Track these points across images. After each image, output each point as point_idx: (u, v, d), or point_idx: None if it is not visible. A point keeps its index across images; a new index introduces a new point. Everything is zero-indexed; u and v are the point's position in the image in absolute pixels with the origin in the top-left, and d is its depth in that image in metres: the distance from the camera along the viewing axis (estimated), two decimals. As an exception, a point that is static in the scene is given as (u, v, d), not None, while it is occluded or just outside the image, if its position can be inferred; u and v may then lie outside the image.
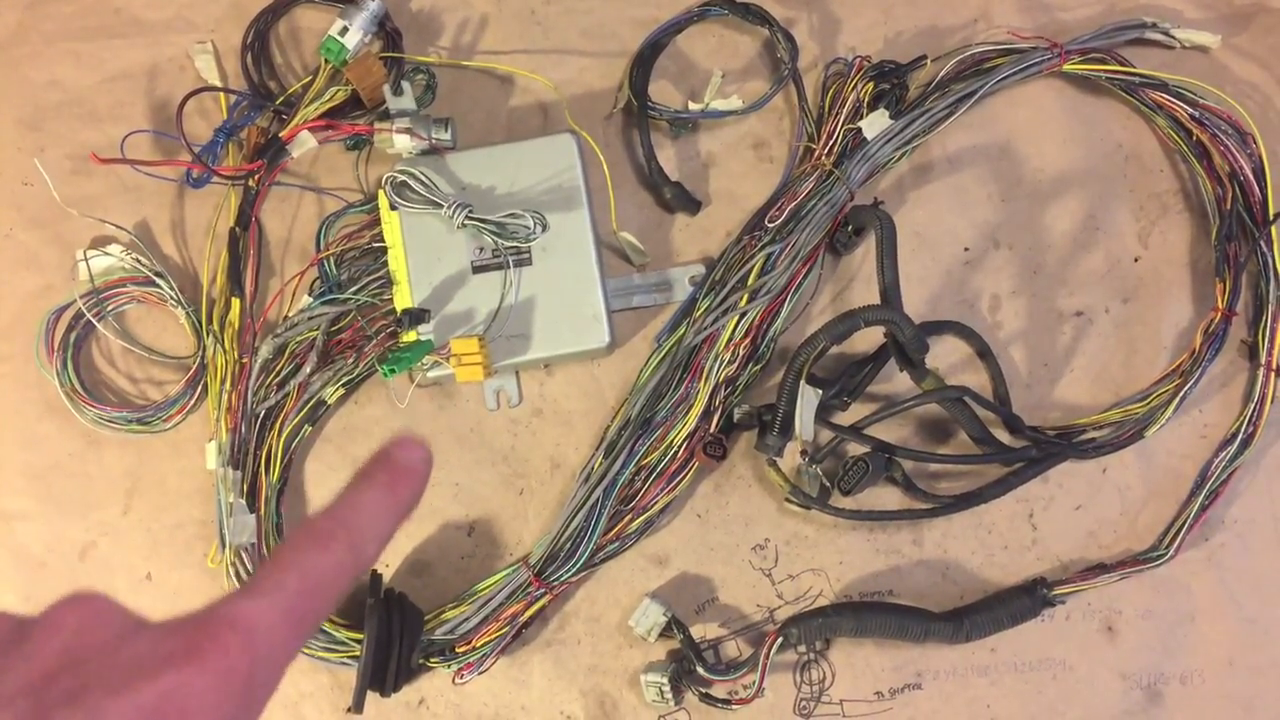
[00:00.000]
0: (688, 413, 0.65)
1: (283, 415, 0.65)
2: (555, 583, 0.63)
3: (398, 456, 0.31)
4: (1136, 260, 0.70)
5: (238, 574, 0.63)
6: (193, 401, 0.67)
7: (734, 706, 0.64)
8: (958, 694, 0.66)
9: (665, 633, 0.64)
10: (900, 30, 0.72)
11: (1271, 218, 0.68)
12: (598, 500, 0.64)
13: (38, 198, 0.69)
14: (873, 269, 0.63)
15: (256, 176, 0.67)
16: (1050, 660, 0.66)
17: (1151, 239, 0.71)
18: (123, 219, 0.69)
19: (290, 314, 0.67)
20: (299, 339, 0.65)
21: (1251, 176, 0.68)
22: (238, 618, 0.25)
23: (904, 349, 0.63)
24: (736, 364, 0.65)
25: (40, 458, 0.67)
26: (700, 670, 0.63)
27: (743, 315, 0.65)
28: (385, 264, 0.66)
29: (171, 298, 0.67)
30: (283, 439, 0.65)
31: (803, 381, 0.62)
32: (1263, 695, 0.66)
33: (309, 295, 0.67)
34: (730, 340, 0.65)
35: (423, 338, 0.63)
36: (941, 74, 0.70)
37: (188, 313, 0.67)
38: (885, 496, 0.67)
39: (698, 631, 0.65)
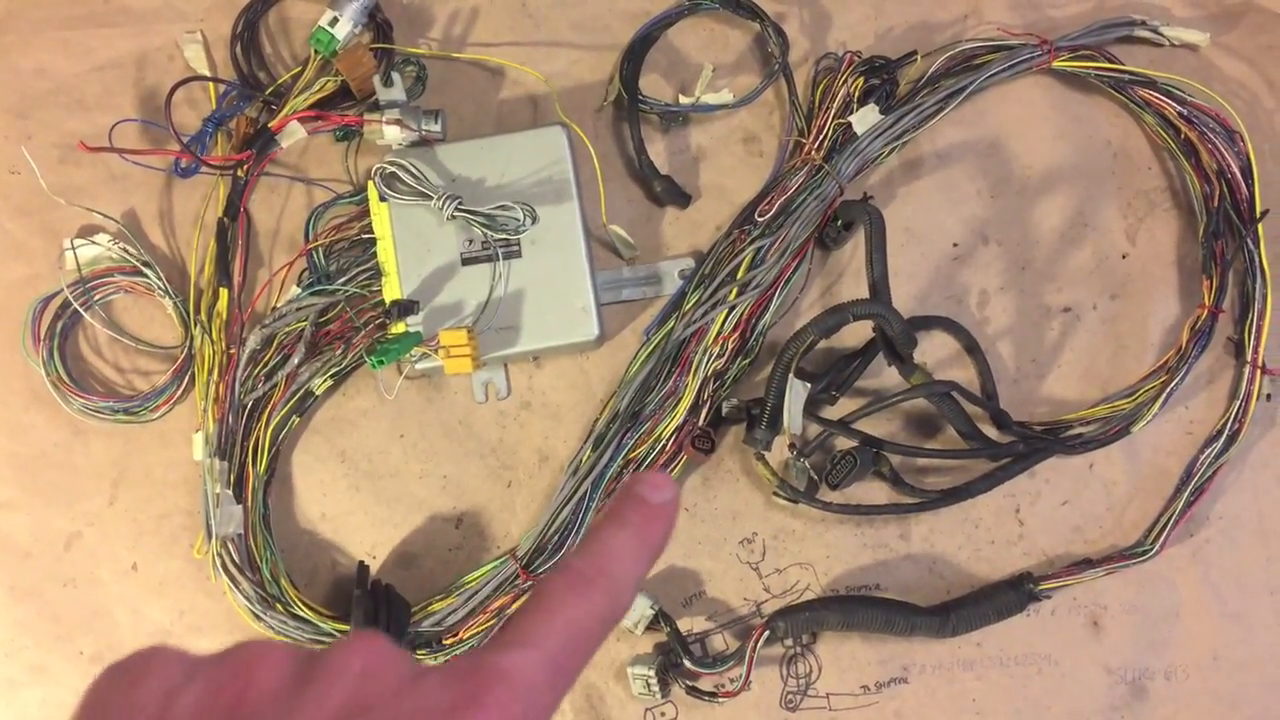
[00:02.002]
0: (676, 406, 0.65)
1: (270, 406, 0.65)
2: (543, 575, 0.63)
3: (649, 497, 0.31)
4: (1124, 257, 0.71)
5: (224, 565, 0.63)
6: (180, 392, 0.66)
7: (720, 699, 0.64)
8: (943, 688, 0.66)
9: (652, 626, 0.64)
10: (891, 26, 0.72)
11: (1258, 215, 0.68)
12: (586, 493, 0.64)
13: (25, 186, 0.69)
14: (862, 264, 0.63)
15: (245, 167, 0.67)
16: (1036, 655, 0.66)
17: (1139, 236, 0.71)
18: (110, 208, 0.68)
19: (278, 305, 0.66)
20: (287, 330, 0.65)
21: (1239, 174, 0.68)
22: (510, 671, 0.26)
23: (892, 344, 0.63)
24: (725, 358, 0.65)
25: (26, 447, 0.67)
26: (687, 663, 0.63)
27: (732, 309, 0.65)
28: (374, 255, 0.65)
29: (159, 287, 0.66)
30: (270, 430, 0.65)
31: (791, 375, 0.62)
32: (1246, 690, 0.66)
33: (297, 286, 0.66)
34: (719, 334, 0.65)
35: (411, 329, 0.63)
36: (931, 70, 0.70)
37: (175, 303, 0.67)
38: (873, 491, 0.67)
39: (685, 625, 0.65)
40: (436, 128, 0.66)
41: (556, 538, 0.64)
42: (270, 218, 0.69)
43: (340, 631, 0.62)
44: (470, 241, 0.65)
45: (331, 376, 0.66)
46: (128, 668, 0.26)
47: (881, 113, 0.68)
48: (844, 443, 0.65)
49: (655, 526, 0.30)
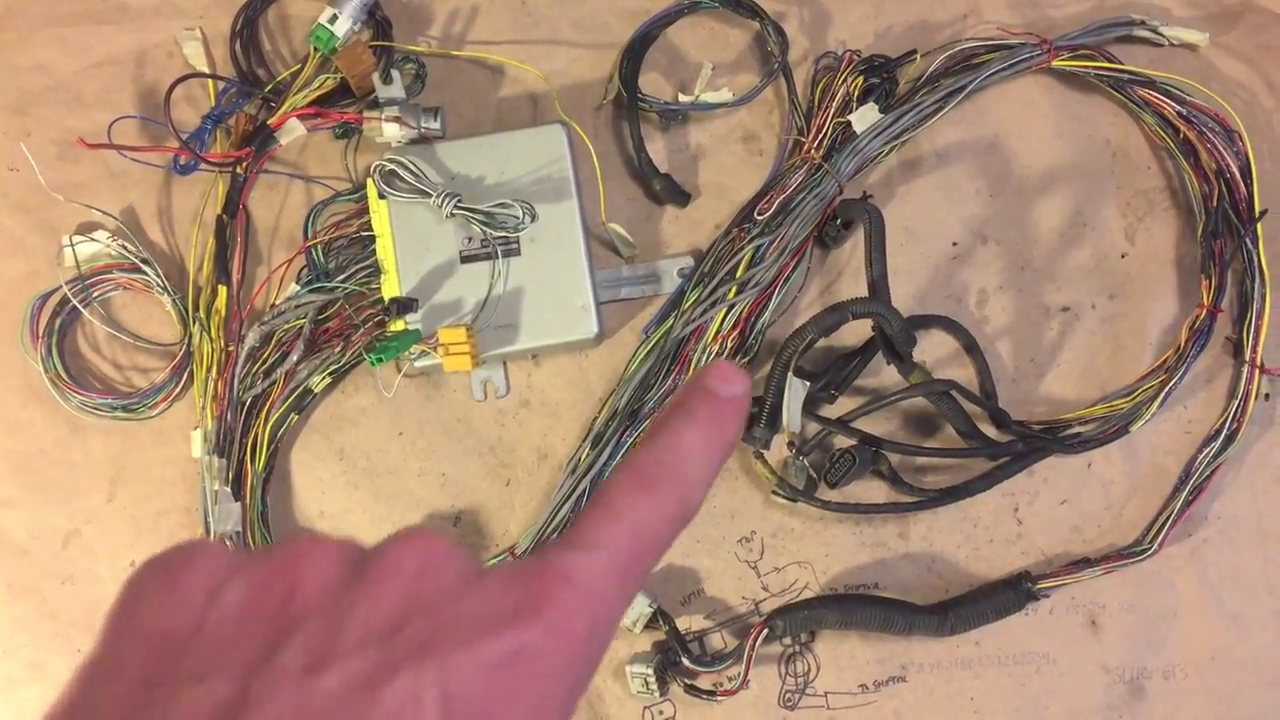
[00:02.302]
0: (675, 404, 0.65)
1: (269, 404, 0.65)
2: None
3: (718, 390, 0.28)
4: (1123, 256, 0.71)
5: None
6: (178, 389, 0.66)
7: (719, 698, 0.64)
8: (942, 687, 0.66)
9: (650, 624, 0.64)
10: (890, 25, 0.72)
11: (1257, 215, 0.68)
12: (585, 491, 0.64)
13: (23, 183, 0.68)
14: (861, 262, 0.63)
15: (244, 164, 0.67)
16: (1034, 654, 0.66)
17: (1138, 235, 0.71)
18: (109, 205, 0.68)
19: (277, 302, 0.66)
20: (286, 327, 0.65)
21: (1238, 174, 0.68)
22: (575, 574, 0.24)
23: (892, 342, 0.63)
24: (724, 356, 0.65)
25: (24, 444, 0.67)
26: (685, 662, 0.63)
27: (731, 307, 0.65)
28: (373, 253, 0.65)
29: (158, 284, 0.66)
30: (269, 427, 0.65)
31: (790, 374, 0.62)
32: (1244, 690, 0.66)
33: (296, 283, 0.66)
34: (718, 332, 0.65)
35: (410, 327, 0.63)
36: (931, 69, 0.70)
37: (174, 300, 0.67)
38: (872, 490, 0.67)
39: (683, 623, 0.65)
40: (436, 125, 0.66)
41: (555, 535, 0.64)
42: (269, 215, 0.69)
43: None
44: (469, 239, 0.65)
45: (330, 374, 0.66)
46: (168, 563, 0.25)
47: (881, 111, 0.68)
48: (843, 441, 0.65)
49: (726, 421, 0.28)
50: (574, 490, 0.64)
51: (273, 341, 0.65)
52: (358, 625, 0.23)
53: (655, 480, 0.26)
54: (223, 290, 0.66)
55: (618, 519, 0.26)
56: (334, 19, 0.67)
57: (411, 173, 0.63)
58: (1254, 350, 0.68)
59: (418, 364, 0.65)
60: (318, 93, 0.67)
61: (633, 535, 0.26)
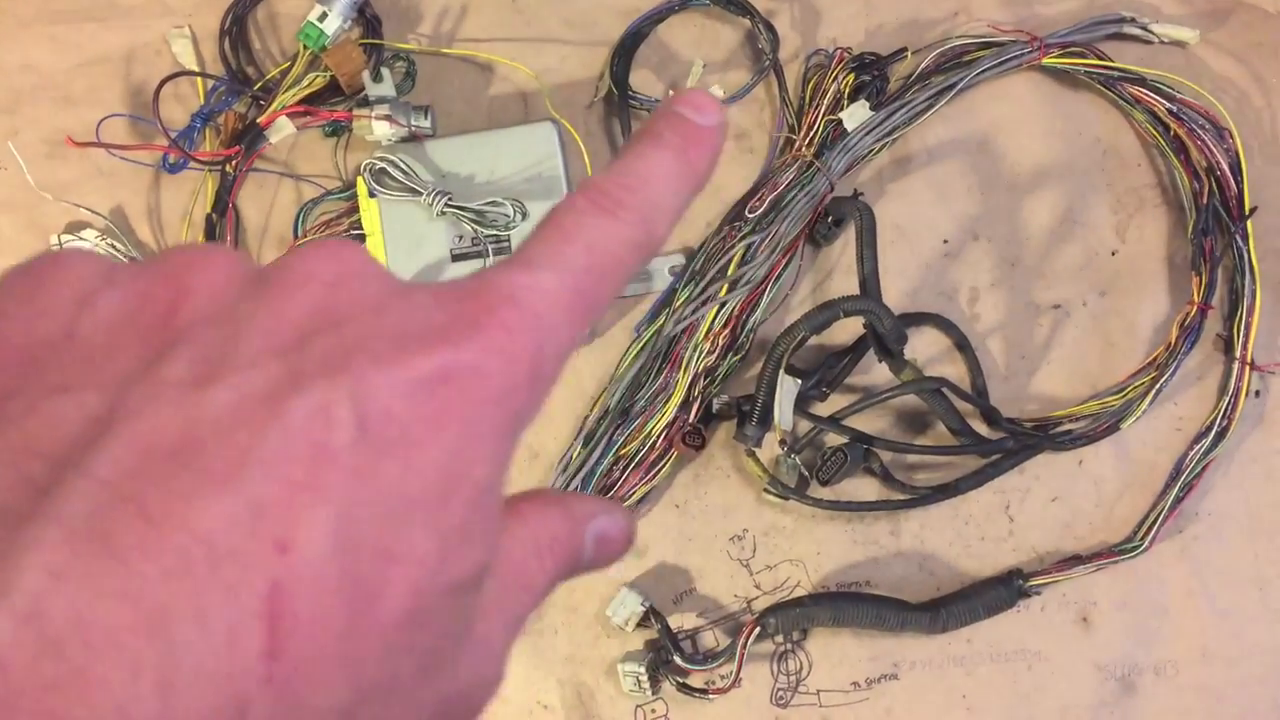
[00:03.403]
0: (666, 403, 0.65)
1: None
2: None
3: (693, 117, 0.25)
4: (1114, 254, 0.71)
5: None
6: (168, 389, 0.66)
7: (711, 696, 0.64)
8: (934, 684, 0.66)
9: (643, 623, 0.64)
10: (881, 23, 0.72)
11: (1247, 212, 0.68)
12: (576, 490, 0.64)
13: (11, 182, 0.68)
14: (852, 260, 0.63)
15: (234, 162, 0.66)
16: (1026, 651, 0.66)
17: (1129, 233, 0.71)
18: (98, 204, 0.68)
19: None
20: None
21: (1228, 171, 0.68)
22: (520, 292, 0.21)
23: (883, 340, 0.63)
24: (716, 354, 0.65)
25: (12, 445, 0.67)
26: (678, 660, 0.63)
27: (722, 305, 0.65)
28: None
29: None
30: (259, 427, 0.65)
31: (782, 371, 0.62)
32: (1235, 686, 0.67)
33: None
34: (709, 330, 0.65)
35: (401, 326, 0.63)
36: (922, 66, 0.70)
37: (163, 299, 0.66)
38: (863, 487, 0.67)
39: (675, 621, 0.65)
40: (426, 123, 0.66)
41: (547, 534, 0.64)
42: (259, 214, 0.69)
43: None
44: (460, 237, 0.64)
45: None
46: (33, 269, 0.21)
47: (872, 109, 0.68)
48: (834, 439, 0.65)
49: (698, 151, 0.25)
50: (565, 489, 0.63)
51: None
52: (258, 336, 0.19)
53: (616, 204, 0.23)
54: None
55: (571, 239, 0.23)
56: (323, 16, 0.66)
57: (402, 171, 0.63)
58: (1244, 347, 0.68)
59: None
60: (307, 91, 0.67)
61: (588, 257, 0.23)
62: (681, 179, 0.25)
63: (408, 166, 0.63)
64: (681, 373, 0.65)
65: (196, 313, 0.20)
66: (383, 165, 0.63)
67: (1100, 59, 0.70)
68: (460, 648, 0.21)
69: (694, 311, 0.65)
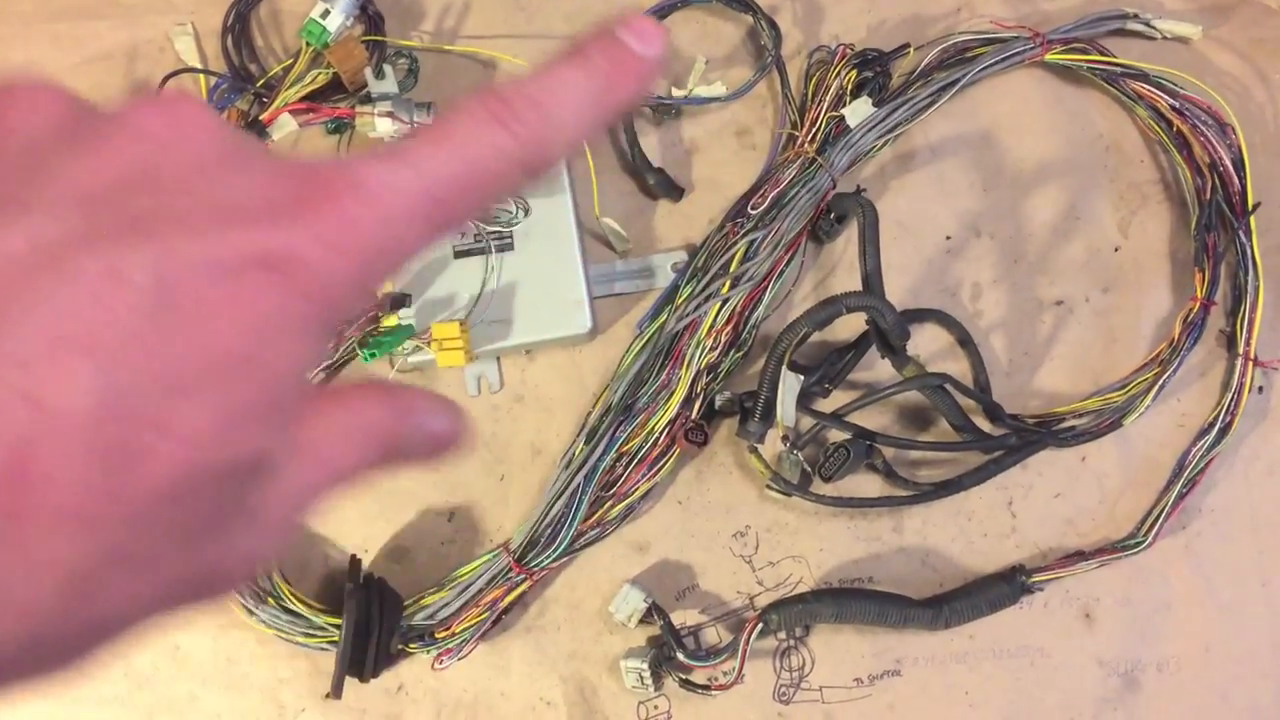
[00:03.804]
0: (669, 399, 0.65)
1: (262, 400, 0.65)
2: (536, 568, 0.63)
3: (629, 41, 0.23)
4: (1117, 250, 0.71)
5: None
6: (171, 385, 0.66)
7: (714, 692, 0.64)
8: (937, 680, 0.66)
9: (645, 619, 0.64)
10: (883, 18, 0.72)
11: (1250, 208, 0.68)
12: (579, 486, 0.64)
13: (14, 179, 0.68)
14: (855, 256, 0.63)
15: (236, 159, 0.66)
16: (1028, 647, 0.66)
17: (1132, 229, 0.71)
18: (101, 201, 0.68)
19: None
20: (279, 323, 0.65)
21: (1231, 167, 0.68)
22: (367, 180, 0.20)
23: (886, 336, 0.63)
24: (718, 351, 0.65)
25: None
26: (680, 656, 0.63)
27: (725, 302, 0.65)
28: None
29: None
30: (262, 423, 0.65)
31: (784, 368, 0.62)
32: (1238, 682, 0.67)
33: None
34: (712, 327, 0.65)
35: (403, 322, 0.63)
36: (924, 63, 0.70)
37: (166, 296, 0.66)
38: (866, 484, 0.67)
39: (678, 618, 0.65)
40: (429, 120, 0.66)
41: (549, 531, 0.64)
42: (262, 211, 0.69)
43: (334, 626, 0.62)
44: (462, 234, 0.64)
45: (323, 370, 0.66)
46: None
47: (874, 105, 0.68)
48: (837, 435, 0.65)
49: (623, 79, 0.23)
50: (568, 485, 0.63)
51: (266, 337, 0.65)
52: (65, 183, 0.18)
53: (512, 115, 0.21)
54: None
55: (447, 139, 0.21)
56: (326, 14, 0.66)
57: (404, 168, 0.63)
58: (1247, 343, 0.68)
59: (411, 359, 0.64)
60: (310, 88, 0.67)
61: (461, 165, 0.21)
62: (595, 106, 0.23)
63: (410, 163, 0.63)
64: (684, 369, 0.65)
65: (10, 150, 0.19)
66: (385, 162, 0.63)
67: (1103, 55, 0.70)
68: (230, 525, 0.20)
69: (696, 308, 0.65)
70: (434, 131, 0.21)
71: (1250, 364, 0.68)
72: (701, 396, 0.65)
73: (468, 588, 0.63)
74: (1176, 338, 0.68)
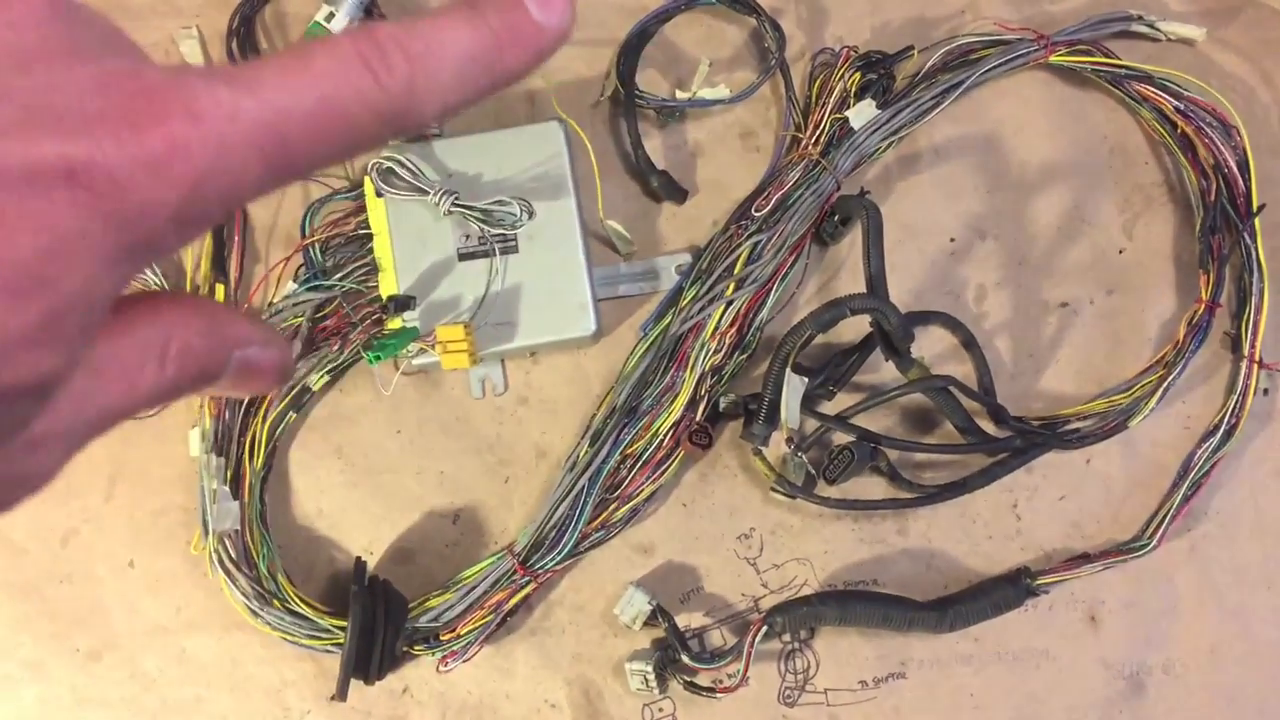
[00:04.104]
0: (673, 401, 0.65)
1: (267, 402, 0.65)
2: (540, 571, 0.63)
3: (530, 5, 0.22)
4: (1121, 252, 0.71)
5: (220, 561, 0.63)
6: (176, 388, 0.66)
7: (719, 695, 0.64)
8: (941, 683, 0.66)
9: (650, 621, 0.64)
10: (887, 21, 0.72)
11: (1255, 210, 0.68)
12: (583, 488, 0.64)
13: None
14: (859, 259, 0.63)
15: (241, 162, 0.66)
16: (1033, 650, 0.66)
17: (1136, 231, 0.71)
18: (106, 204, 0.68)
19: (275, 300, 0.66)
20: (283, 325, 0.65)
21: (1235, 169, 0.68)
22: (202, 101, 0.17)
23: (890, 338, 0.63)
24: (722, 353, 0.65)
25: (22, 444, 0.67)
26: (685, 659, 0.63)
27: (729, 304, 0.65)
28: (371, 250, 0.65)
29: (154, 283, 0.66)
30: (267, 426, 0.65)
31: (789, 370, 0.62)
32: (1244, 685, 0.66)
33: (294, 281, 0.66)
34: (716, 329, 0.65)
35: (408, 325, 0.63)
36: (928, 65, 0.70)
37: (171, 299, 0.66)
38: (870, 486, 0.67)
39: (682, 620, 0.65)
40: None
41: (554, 533, 0.64)
42: (266, 213, 0.69)
43: (338, 628, 0.62)
44: (467, 237, 0.64)
45: (328, 372, 0.66)
46: None
47: (878, 108, 0.68)
48: (841, 438, 0.65)
49: (515, 46, 0.21)
50: (573, 487, 0.64)
51: (270, 340, 0.65)
52: None
53: (383, 62, 0.19)
54: (220, 288, 0.66)
55: (306, 75, 0.19)
56: (330, 17, 0.66)
57: (409, 170, 0.63)
58: (1252, 345, 0.68)
59: (416, 362, 0.64)
60: (315, 91, 0.67)
61: (316, 104, 0.19)
62: (477, 67, 0.21)
63: (415, 166, 0.63)
64: (688, 371, 0.65)
65: None
66: (390, 164, 0.63)
67: (1107, 57, 0.70)
68: (4, 446, 0.19)
69: (700, 310, 0.65)
70: (294, 59, 0.19)
71: (1255, 366, 0.67)
72: (706, 399, 0.65)
73: (472, 590, 0.63)
74: (1181, 340, 0.68)
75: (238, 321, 0.23)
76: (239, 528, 0.63)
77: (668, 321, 0.66)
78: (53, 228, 0.17)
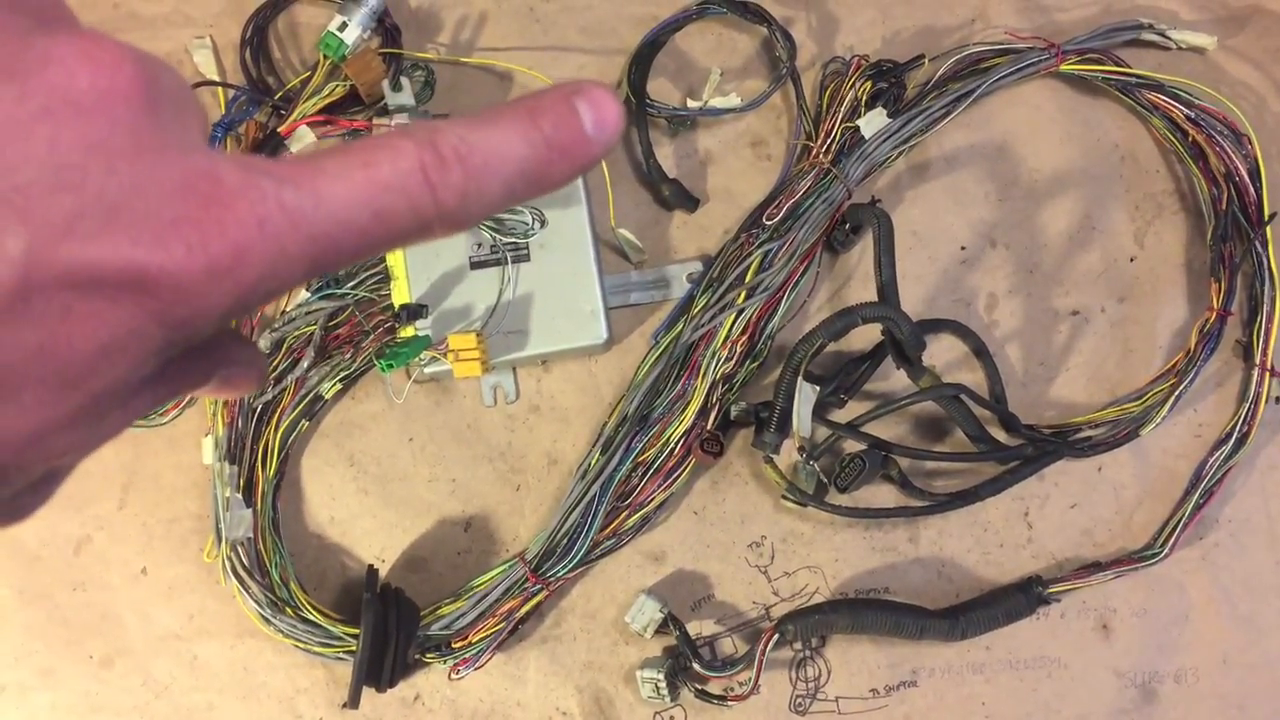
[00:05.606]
0: (685, 409, 0.65)
1: (280, 410, 0.65)
2: (552, 578, 0.63)
3: (585, 122, 0.21)
4: (1132, 260, 0.71)
5: (233, 569, 0.63)
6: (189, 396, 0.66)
7: (730, 703, 0.64)
8: (953, 691, 0.66)
9: (661, 629, 0.64)
10: (898, 30, 0.73)
11: (1266, 218, 0.68)
12: (594, 496, 0.64)
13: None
14: (870, 267, 0.63)
15: (254, 171, 0.67)
16: (1045, 658, 0.66)
17: (1147, 239, 0.71)
18: (120, 213, 0.68)
19: (287, 309, 0.66)
20: (296, 334, 0.65)
21: (1247, 177, 0.68)
22: (270, 212, 0.18)
23: (901, 347, 0.63)
24: (734, 361, 0.65)
25: (36, 452, 0.67)
26: (696, 667, 0.63)
27: (740, 312, 0.65)
28: (383, 259, 0.65)
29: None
30: (280, 434, 0.65)
31: (800, 378, 0.62)
32: (1256, 693, 0.66)
33: (307, 290, 0.66)
34: (727, 337, 0.65)
35: (420, 333, 0.63)
36: (939, 73, 0.70)
37: (185, 307, 0.67)
38: (882, 494, 0.67)
39: (694, 628, 0.65)
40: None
41: (565, 541, 0.64)
42: (279, 222, 0.69)
43: (350, 636, 0.62)
44: (479, 245, 0.65)
45: (341, 380, 0.66)
46: None
47: (889, 116, 0.68)
48: (853, 446, 0.65)
49: (565, 159, 0.22)
50: (584, 495, 0.64)
51: (283, 348, 0.66)
52: None
53: (440, 171, 0.20)
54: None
55: (368, 183, 0.19)
56: (343, 26, 0.67)
57: (421, 179, 0.63)
58: (1264, 353, 0.68)
59: (428, 370, 0.65)
60: (327, 100, 0.67)
61: (370, 213, 0.19)
62: (524, 181, 0.21)
63: (427, 175, 0.64)
64: (699, 380, 0.65)
65: None
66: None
67: (1118, 65, 0.70)
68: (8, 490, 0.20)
69: (712, 318, 0.65)
70: (354, 160, 0.19)
71: (1267, 374, 0.67)
72: (717, 407, 0.65)
73: (484, 598, 0.63)
74: (1193, 348, 0.68)
75: (226, 345, 0.24)
76: (251, 535, 0.64)
77: (679, 329, 0.66)
78: (113, 326, 0.17)
